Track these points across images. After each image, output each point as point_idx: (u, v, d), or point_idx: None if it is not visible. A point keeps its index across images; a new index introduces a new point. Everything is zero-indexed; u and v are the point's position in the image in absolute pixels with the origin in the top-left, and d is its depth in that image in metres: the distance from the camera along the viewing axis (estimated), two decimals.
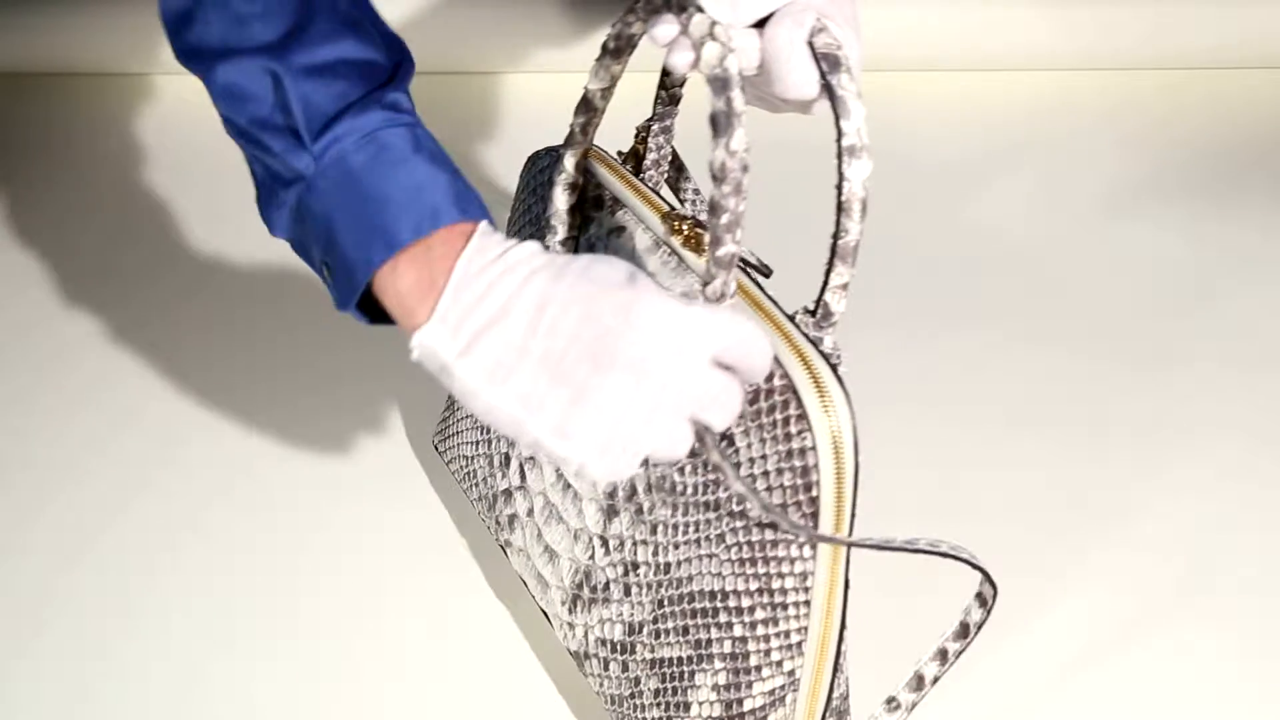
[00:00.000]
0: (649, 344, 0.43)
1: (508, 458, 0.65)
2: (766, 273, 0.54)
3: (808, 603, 0.51)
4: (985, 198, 1.05)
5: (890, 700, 0.58)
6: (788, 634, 0.52)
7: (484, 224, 0.47)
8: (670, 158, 0.61)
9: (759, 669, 0.53)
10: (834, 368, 0.48)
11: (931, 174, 1.07)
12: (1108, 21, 1.14)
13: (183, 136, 1.15)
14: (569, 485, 0.60)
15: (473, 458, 0.69)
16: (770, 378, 0.48)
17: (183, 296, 0.97)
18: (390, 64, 0.50)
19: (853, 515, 0.49)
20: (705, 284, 0.47)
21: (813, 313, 0.51)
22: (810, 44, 0.47)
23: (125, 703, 0.70)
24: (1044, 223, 1.03)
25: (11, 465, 0.84)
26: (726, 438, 0.50)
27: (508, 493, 0.65)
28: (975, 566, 0.51)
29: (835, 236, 0.49)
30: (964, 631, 0.55)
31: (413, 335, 0.45)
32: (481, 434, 0.68)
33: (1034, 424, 0.85)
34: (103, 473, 0.83)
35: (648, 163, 0.59)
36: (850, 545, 0.50)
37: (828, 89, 0.48)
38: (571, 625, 0.62)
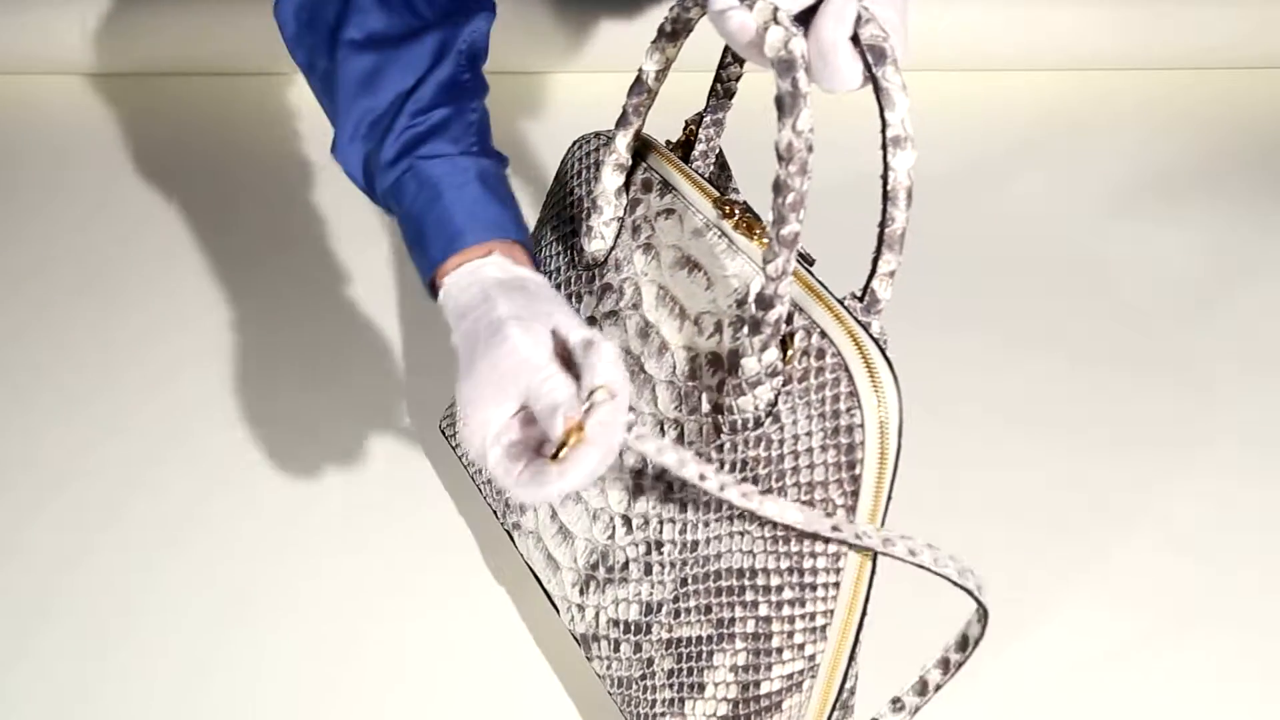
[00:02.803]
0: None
1: None
2: (810, 261, 0.55)
3: (837, 584, 0.51)
4: (989, 198, 1.06)
5: (895, 701, 0.59)
6: (813, 616, 0.52)
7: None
8: (716, 154, 0.62)
9: (780, 651, 0.53)
10: (883, 351, 0.49)
11: (933, 175, 1.06)
12: (1112, 22, 1.15)
13: (184, 138, 1.15)
14: None
15: None
16: (822, 355, 0.49)
17: (184, 295, 0.97)
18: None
19: (889, 498, 0.50)
20: (766, 262, 0.48)
21: (860, 298, 0.52)
22: (855, 36, 0.47)
23: (126, 703, 0.69)
24: (1048, 223, 1.03)
25: (12, 465, 0.83)
26: (772, 413, 0.51)
27: None
28: (963, 589, 0.51)
29: (882, 225, 0.51)
30: (964, 644, 0.56)
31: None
32: None
33: (1038, 424, 0.85)
34: (103, 472, 0.82)
35: (696, 154, 0.60)
36: (877, 554, 0.51)
37: (873, 81, 0.48)
38: (581, 607, 0.62)
